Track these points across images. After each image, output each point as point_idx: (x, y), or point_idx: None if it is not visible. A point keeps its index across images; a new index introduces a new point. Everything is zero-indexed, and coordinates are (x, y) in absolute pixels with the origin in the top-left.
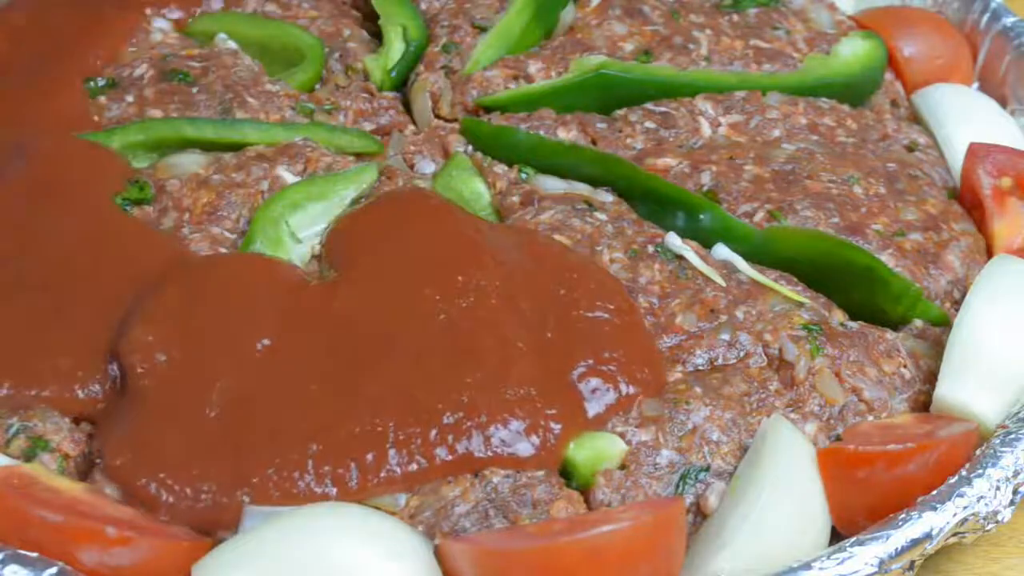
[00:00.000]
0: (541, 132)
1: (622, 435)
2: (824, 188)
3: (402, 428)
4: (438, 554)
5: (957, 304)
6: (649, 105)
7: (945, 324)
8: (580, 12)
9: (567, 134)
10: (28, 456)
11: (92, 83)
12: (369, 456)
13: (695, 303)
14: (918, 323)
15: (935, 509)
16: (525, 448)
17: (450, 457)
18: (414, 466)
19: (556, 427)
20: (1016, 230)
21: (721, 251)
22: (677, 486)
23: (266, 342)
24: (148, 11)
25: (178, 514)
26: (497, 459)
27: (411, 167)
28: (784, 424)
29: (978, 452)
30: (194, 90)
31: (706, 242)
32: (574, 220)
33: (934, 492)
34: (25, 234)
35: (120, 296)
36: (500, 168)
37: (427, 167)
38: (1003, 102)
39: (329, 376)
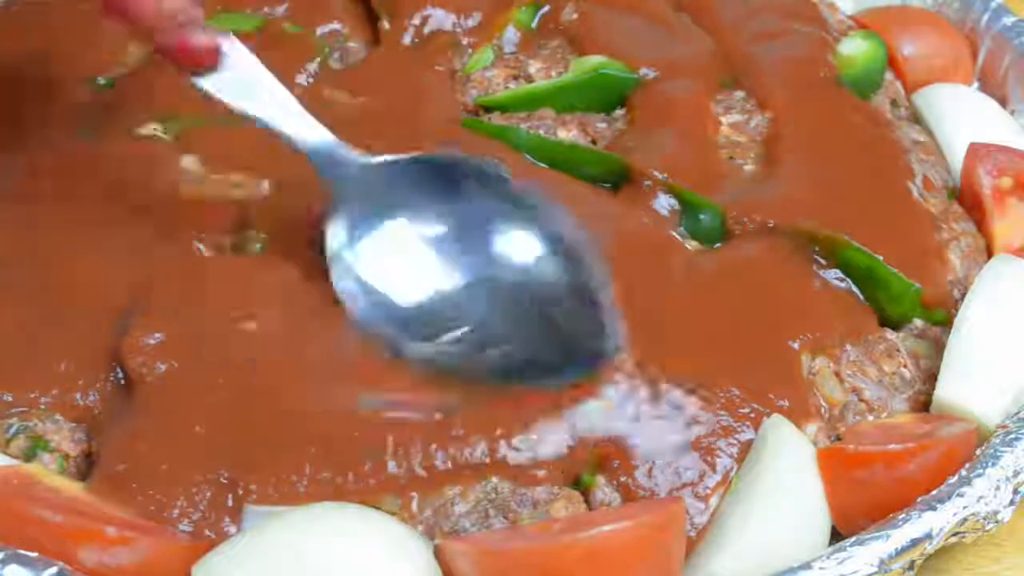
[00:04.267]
0: (541, 132)
1: None
2: None
3: (403, 436)
4: (438, 554)
5: (957, 304)
6: None
7: (945, 324)
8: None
9: (567, 134)
10: (28, 456)
11: (94, 83)
12: (368, 464)
13: None
14: (918, 323)
15: (935, 509)
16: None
17: (451, 467)
18: (412, 475)
19: (566, 438)
20: (1016, 230)
21: None
22: None
23: (264, 346)
24: None
25: (177, 519)
26: (501, 467)
27: None
28: (784, 424)
29: (978, 452)
30: None
31: (706, 241)
32: None
33: (934, 492)
34: (24, 236)
35: (121, 298)
36: None
37: None
38: (1003, 102)
39: (330, 378)
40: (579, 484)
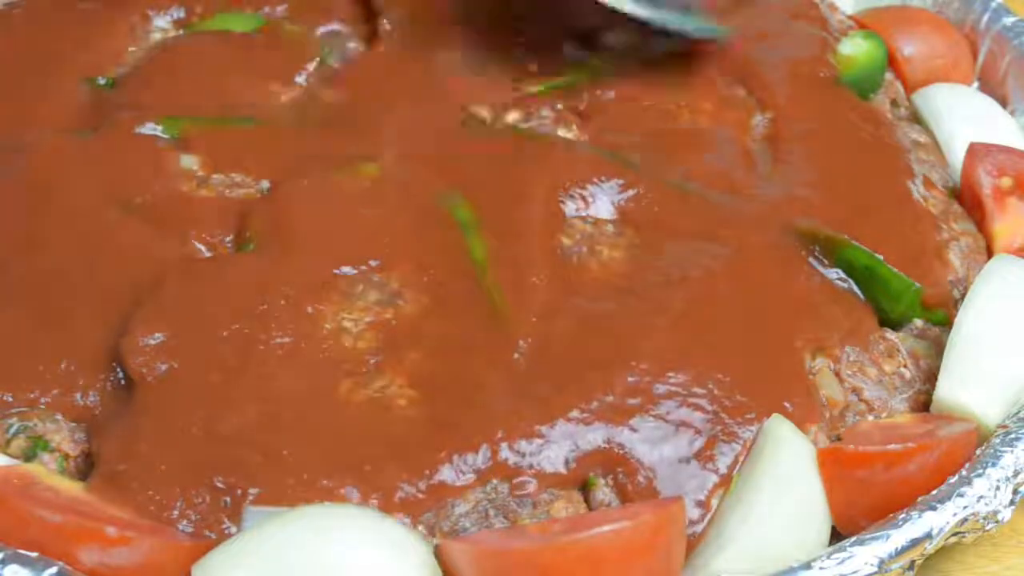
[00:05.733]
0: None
1: None
2: None
3: (404, 443)
4: (438, 554)
5: (957, 304)
6: None
7: (945, 324)
8: None
9: (567, 134)
10: (28, 456)
11: (93, 83)
12: (367, 467)
13: None
14: (918, 323)
15: (935, 509)
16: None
17: (460, 482)
18: (412, 488)
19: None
20: (1016, 230)
21: None
22: None
23: (264, 348)
24: (150, 11)
25: (177, 519)
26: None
27: None
28: (784, 424)
29: (978, 452)
30: None
31: None
32: (575, 220)
33: (934, 492)
34: (25, 236)
35: (121, 298)
36: None
37: None
38: (1003, 102)
39: (331, 379)
40: (583, 485)
